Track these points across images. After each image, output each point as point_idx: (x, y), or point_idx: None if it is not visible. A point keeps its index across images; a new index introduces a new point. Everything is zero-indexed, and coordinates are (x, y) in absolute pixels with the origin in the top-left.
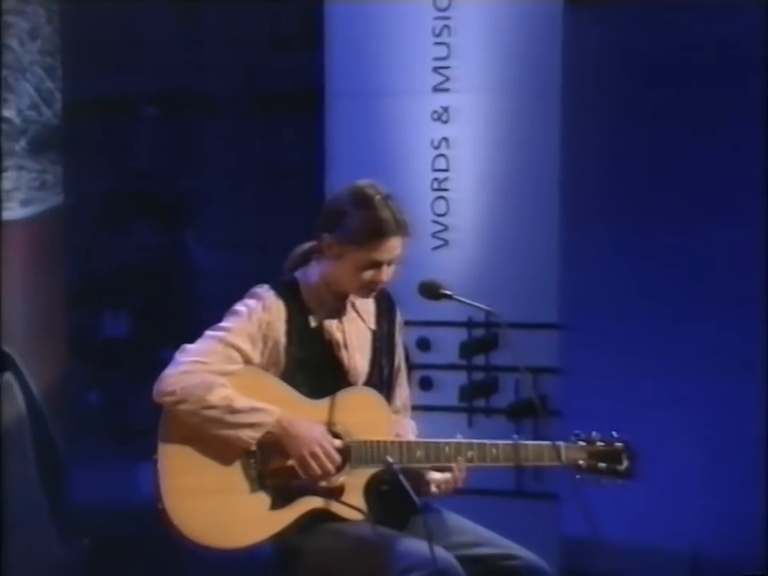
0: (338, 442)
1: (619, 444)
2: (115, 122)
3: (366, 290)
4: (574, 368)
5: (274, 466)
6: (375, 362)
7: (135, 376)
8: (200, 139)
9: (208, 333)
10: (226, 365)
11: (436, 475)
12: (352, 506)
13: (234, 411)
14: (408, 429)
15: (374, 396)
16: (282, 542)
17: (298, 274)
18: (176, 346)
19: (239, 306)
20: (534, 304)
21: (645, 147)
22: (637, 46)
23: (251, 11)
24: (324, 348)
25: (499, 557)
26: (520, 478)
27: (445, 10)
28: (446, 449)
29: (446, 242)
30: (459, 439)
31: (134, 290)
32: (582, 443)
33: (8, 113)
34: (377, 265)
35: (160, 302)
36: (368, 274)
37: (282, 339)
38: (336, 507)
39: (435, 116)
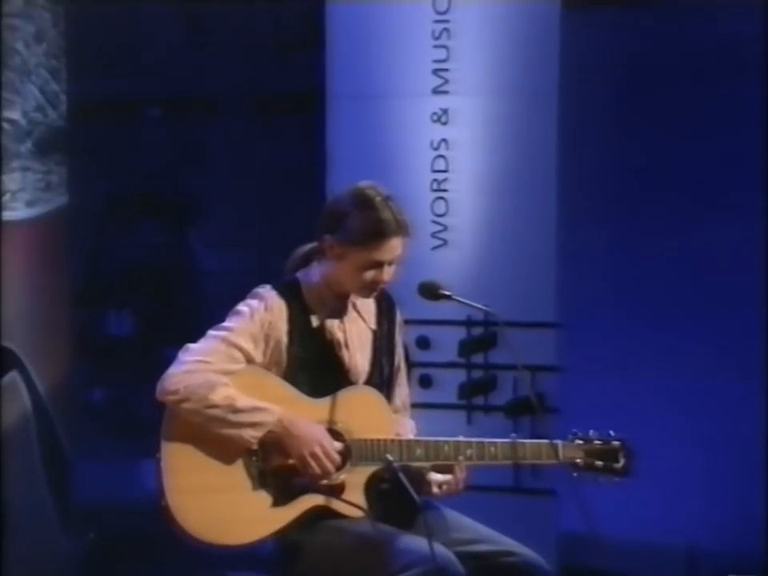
0: (338, 445)
1: (616, 442)
2: (119, 123)
3: (367, 290)
4: (571, 366)
5: (276, 465)
6: (376, 362)
7: (139, 374)
8: (203, 140)
9: (211, 332)
10: (228, 364)
11: (437, 476)
12: (353, 503)
13: (236, 410)
14: (408, 428)
15: (374, 395)
16: (284, 538)
17: (299, 275)
18: (179, 344)
19: (241, 306)
20: (532, 303)
21: (641, 148)
22: (633, 49)
23: (253, 14)
24: (325, 347)
25: (498, 553)
26: (518, 475)
27: (444, 13)
28: (446, 447)
29: (445, 242)
30: (458, 438)
31: (137, 289)
32: (579, 442)
33: (14, 114)
34: (378, 265)
35: (163, 301)
36: (369, 274)
37: (284, 339)
38: (337, 505)
39: (434, 118)
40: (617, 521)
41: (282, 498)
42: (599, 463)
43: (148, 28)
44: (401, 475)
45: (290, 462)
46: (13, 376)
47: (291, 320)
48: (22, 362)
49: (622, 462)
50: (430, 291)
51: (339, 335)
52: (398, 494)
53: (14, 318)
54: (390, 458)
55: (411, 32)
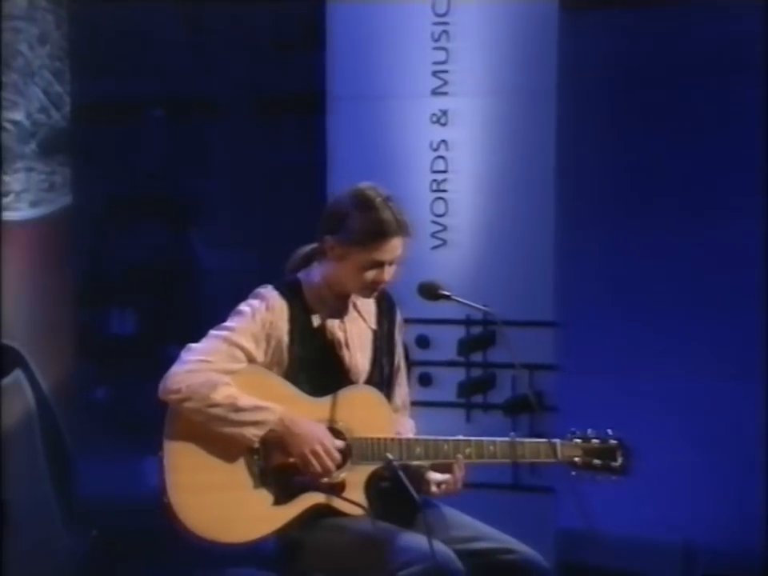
0: (339, 443)
1: (614, 441)
2: (122, 124)
3: (368, 289)
4: (569, 365)
5: (277, 463)
6: (376, 361)
7: (141, 373)
8: (205, 141)
9: (213, 332)
10: (230, 364)
11: (436, 475)
12: (353, 501)
13: (237, 409)
14: (407, 427)
15: (374, 394)
16: (285, 536)
17: (300, 275)
18: (181, 343)
19: (243, 306)
20: (531, 302)
21: (639, 148)
22: (629, 50)
23: (254, 16)
24: (326, 347)
25: (497, 551)
26: (517, 472)
27: (443, 15)
28: (445, 446)
29: (444, 242)
30: (458, 437)
31: (140, 288)
32: (577, 440)
33: (18, 116)
34: (379, 265)
35: (166, 300)
36: (370, 274)
37: (285, 338)
38: (337, 503)
39: (434, 119)
40: (614, 518)
41: (283, 496)
42: (597, 462)
43: (150, 30)
44: (401, 474)
45: (291, 460)
46: (17, 375)
47: (292, 320)
48: (26, 361)
49: (619, 460)
50: (430, 291)
51: (340, 335)
52: (397, 493)
53: (18, 317)
54: (390, 456)
55: (411, 34)
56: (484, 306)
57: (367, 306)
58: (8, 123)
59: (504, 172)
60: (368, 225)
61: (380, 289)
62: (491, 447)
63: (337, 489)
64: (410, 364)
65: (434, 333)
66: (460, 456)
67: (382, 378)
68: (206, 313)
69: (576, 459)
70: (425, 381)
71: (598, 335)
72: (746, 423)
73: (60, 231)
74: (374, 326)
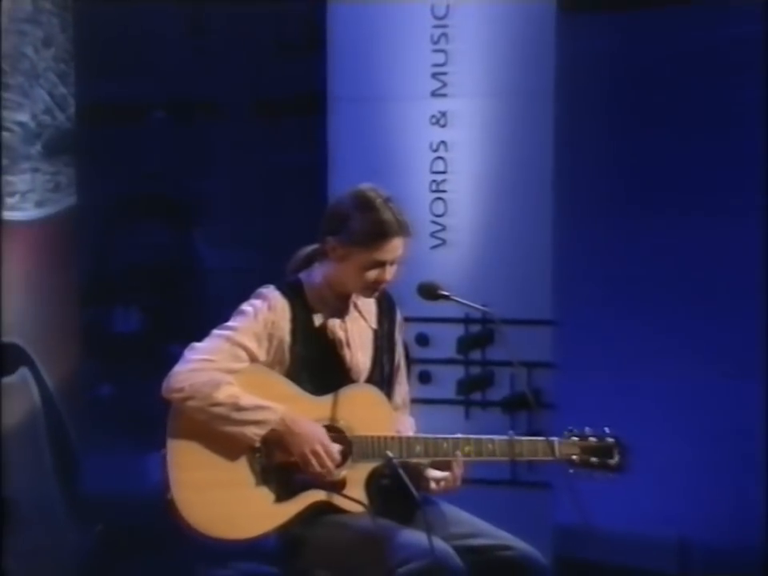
0: (338, 446)
1: (611, 439)
2: (126, 125)
3: (370, 289)
4: (566, 363)
5: (279, 461)
6: (376, 360)
7: (145, 370)
8: (207, 142)
9: (215, 332)
10: (232, 363)
11: (435, 473)
12: (353, 498)
13: (239, 408)
14: (407, 425)
15: (375, 393)
16: (286, 533)
17: (301, 276)
18: (184, 341)
19: (245, 306)
20: (529, 301)
21: (636, 148)
22: (627, 51)
23: (256, 19)
24: (327, 346)
25: (495, 547)
26: (514, 468)
27: (443, 18)
28: (444, 444)
29: (444, 242)
30: (457, 435)
31: (143, 287)
32: (574, 439)
33: (23, 117)
34: (380, 265)
35: (169, 298)
36: (372, 274)
37: (287, 338)
38: (338, 500)
39: (433, 120)
40: (611, 514)
41: (284, 493)
42: (594, 460)
43: (152, 32)
44: (400, 471)
45: (293, 458)
46: (23, 372)
47: (294, 319)
48: (32, 359)
49: (616, 458)
50: (429, 292)
51: (341, 334)
52: (397, 490)
53: (24, 315)
54: (390, 454)
55: (410, 36)
56: (483, 305)
57: (368, 305)
58: (14, 124)
59: (502, 172)
60: (369, 225)
61: (381, 288)
62: (490, 445)
63: (337, 486)
64: (410, 362)
65: (433, 331)
66: (459, 454)
67: (382, 377)
68: (208, 311)
69: (573, 457)
70: (424, 378)
71: (596, 334)
72: (743, 421)
73: (65, 231)
74: (374, 326)
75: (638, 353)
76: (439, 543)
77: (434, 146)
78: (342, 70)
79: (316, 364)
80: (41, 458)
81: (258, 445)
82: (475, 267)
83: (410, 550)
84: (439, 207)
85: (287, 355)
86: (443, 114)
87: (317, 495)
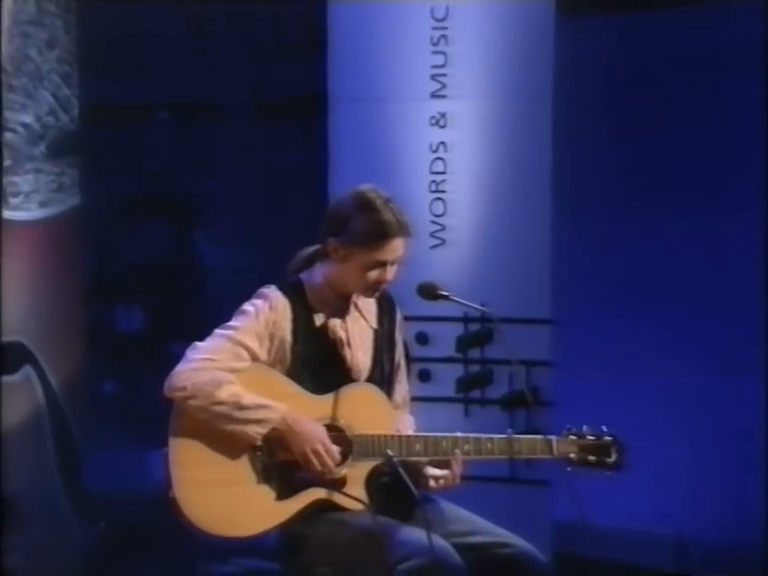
0: (340, 441)
1: (608, 438)
2: (129, 126)
3: (371, 289)
4: (564, 361)
5: (280, 460)
6: (377, 360)
7: (147, 368)
8: (209, 143)
9: (217, 331)
10: (234, 362)
11: (434, 470)
12: (354, 497)
13: (241, 407)
14: (407, 424)
15: (375, 392)
16: (287, 531)
17: (302, 276)
18: (186, 339)
19: (247, 306)
20: (527, 300)
21: (633, 149)
22: (626, 53)
23: (257, 20)
24: (328, 346)
25: (494, 545)
26: (513, 465)
27: (442, 20)
28: (444, 443)
29: (443, 242)
30: (456, 434)
31: (146, 286)
32: (573, 437)
33: (27, 118)
34: (381, 265)
35: (171, 297)
36: (373, 274)
37: (288, 338)
38: (338, 498)
39: (433, 121)
40: (609, 511)
41: (285, 491)
42: (592, 458)
43: (157, 35)
44: (400, 470)
45: (294, 457)
46: (27, 370)
47: (295, 319)
48: (36, 357)
49: (614, 456)
50: (429, 292)
51: (341, 334)
52: (397, 488)
53: (27, 314)
54: (390, 453)
55: (410, 38)
56: (482, 304)
57: (368, 305)
58: (18, 126)
59: (501, 173)
60: (370, 226)
61: (382, 288)
62: (489, 444)
63: (338, 484)
64: (410, 361)
65: (433, 330)
66: (458, 451)
67: (382, 376)
68: (210, 310)
69: (571, 455)
70: (424, 377)
71: (594, 332)
72: (741, 419)
73: (68, 231)
74: (374, 325)
75: (636, 351)
76: (439, 541)
77: (434, 147)
78: (343, 72)
79: (317, 363)
80: (45, 456)
81: (259, 443)
82: (474, 267)
83: (410, 548)
84: (439, 207)
85: (288, 354)
86: (443, 115)
87: (317, 493)
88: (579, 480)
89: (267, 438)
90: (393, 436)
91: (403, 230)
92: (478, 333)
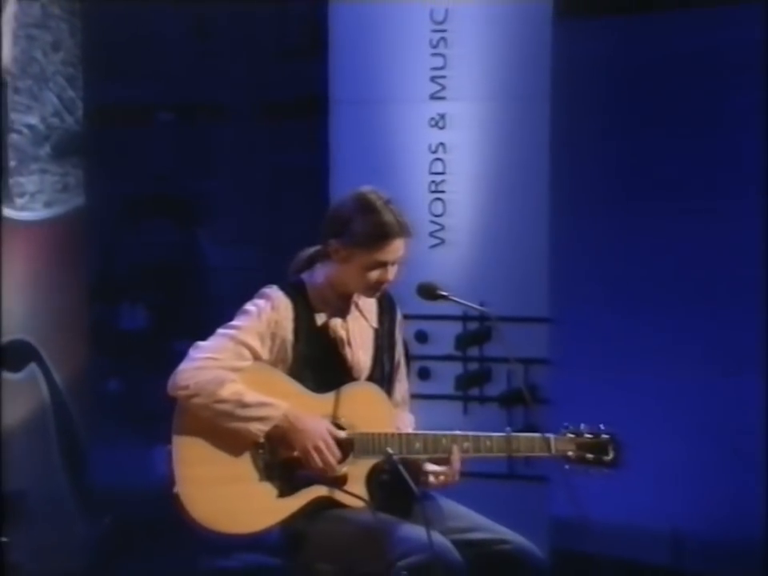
0: (342, 434)
1: (606, 436)
2: (133, 127)
3: (372, 289)
4: (562, 359)
5: (282, 457)
6: (377, 359)
7: (151, 366)
8: (212, 144)
9: (220, 331)
10: (236, 361)
11: (434, 467)
12: (354, 494)
13: (244, 405)
14: (407, 422)
15: (375, 390)
16: (289, 527)
17: (304, 276)
18: (189, 337)
19: (249, 306)
20: (525, 299)
21: (630, 150)
22: (623, 55)
23: (259, 24)
24: (329, 345)
25: (492, 541)
26: (512, 462)
27: (441, 23)
28: (443, 441)
29: (442, 241)
30: (455, 432)
31: (150, 285)
32: (570, 435)
33: (33, 120)
34: (382, 265)
35: (174, 296)
36: (374, 275)
37: (290, 337)
38: (339, 495)
39: (432, 122)
40: (606, 507)
41: (287, 489)
42: (590, 456)
43: (160, 38)
44: (400, 467)
45: (295, 454)
46: (32, 368)
47: (297, 319)
48: (41, 355)
49: (611, 454)
50: (429, 292)
51: (342, 333)
52: (397, 485)
53: (33, 313)
54: (390, 451)
55: (410, 40)
56: (480, 302)
57: (369, 305)
58: (23, 127)
59: (500, 173)
60: (371, 227)
61: (383, 288)
62: (488, 442)
63: (339, 482)
64: (410, 359)
65: (432, 328)
66: (456, 447)
67: (382, 375)
68: (212, 308)
69: (569, 453)
70: (423, 374)
71: (592, 331)
72: (737, 417)
73: (73, 230)
74: (375, 325)
75: (634, 350)
76: (438, 537)
77: (433, 148)
78: (343, 74)
79: (318, 362)
80: (50, 452)
81: (261, 441)
82: (473, 266)
83: (410, 544)
84: (438, 207)
85: (290, 354)
86: (442, 117)
87: (319, 491)
88: (577, 477)
89: (269, 436)
90: (393, 434)
91: (403, 230)
92: (476, 331)
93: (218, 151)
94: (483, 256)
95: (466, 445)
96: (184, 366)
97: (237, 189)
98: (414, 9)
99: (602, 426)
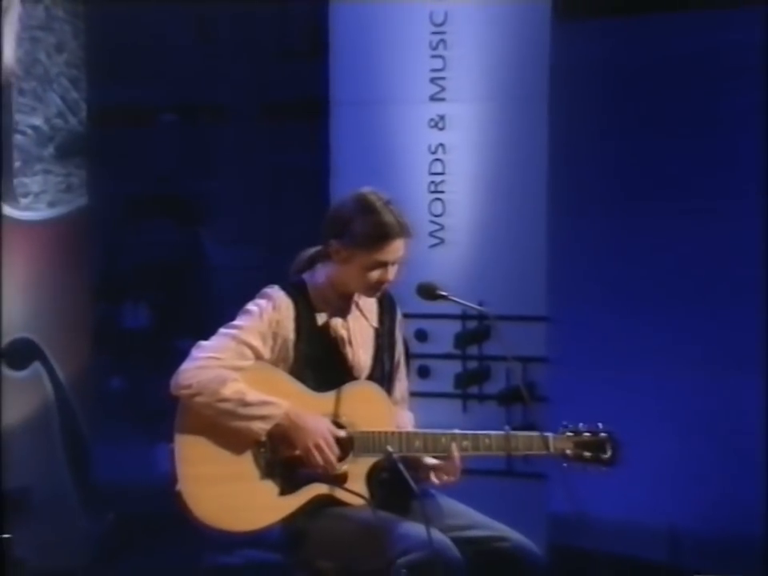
0: (342, 433)
1: (603, 434)
2: (135, 128)
3: (372, 289)
4: (560, 358)
5: (283, 456)
6: (377, 358)
7: (153, 364)
8: (214, 144)
9: (222, 330)
10: (238, 361)
11: (433, 460)
12: (355, 492)
13: (245, 404)
14: (406, 420)
15: (375, 389)
16: (290, 525)
17: (305, 276)
18: (191, 336)
19: (251, 306)
20: (524, 298)
21: (629, 150)
22: (621, 57)
23: (261, 25)
24: (330, 345)
25: (491, 539)
26: (510, 459)
27: (441, 25)
28: (443, 439)
29: (442, 241)
30: (454, 430)
31: (152, 284)
32: (569, 434)
33: (37, 121)
34: (382, 265)
35: (176, 295)
36: (375, 275)
37: (291, 336)
38: (340, 493)
39: (432, 123)
40: (604, 504)
41: (288, 487)
42: (587, 454)
43: (163, 39)
44: (400, 466)
45: (296, 453)
46: (36, 367)
47: (298, 319)
48: (45, 354)
49: (609, 452)
50: (428, 292)
51: (343, 333)
52: (397, 483)
53: (37, 312)
54: (390, 449)
55: (410, 42)
56: (479, 301)
57: (369, 304)
58: (27, 128)
59: (499, 174)
60: (371, 228)
61: (384, 288)
62: (487, 440)
63: (340, 480)
64: (409, 358)
65: (431, 327)
66: (456, 446)
67: (383, 374)
68: (213, 307)
69: (567, 452)
70: (423, 373)
71: (588, 329)
72: (733, 415)
73: (76, 230)
74: (375, 324)
75: (631, 348)
76: (438, 535)
77: (433, 149)
78: (344, 75)
79: (319, 362)
80: (54, 449)
81: (263, 439)
82: (472, 265)
83: (410, 542)
84: (438, 207)
85: (291, 353)
86: (441, 118)
87: (319, 489)
88: (575, 474)
89: (271, 434)
90: (393, 433)
91: (403, 231)
92: (475, 330)
93: (219, 152)
94: (482, 255)
95: (465, 443)
96: (186, 366)
97: (238, 189)
98: (414, 11)
99: (599, 425)
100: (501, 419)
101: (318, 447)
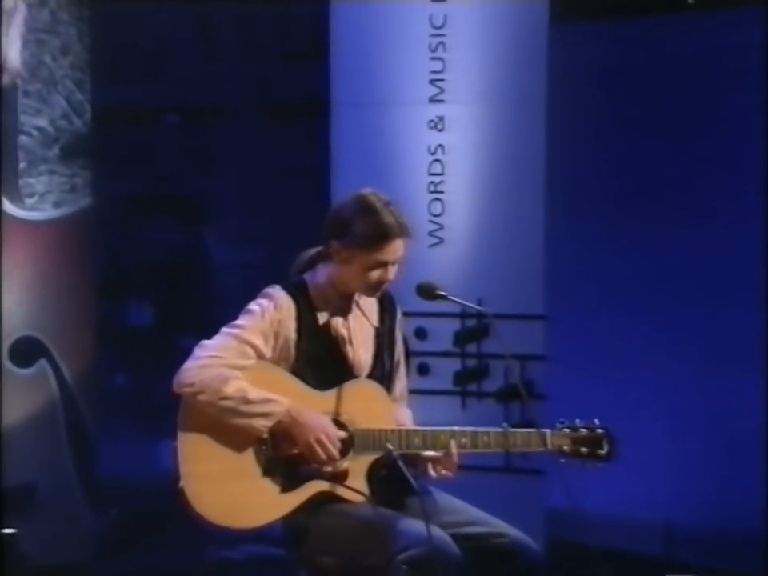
0: (342, 434)
1: (600, 431)
2: (139, 129)
3: (373, 289)
4: (557, 356)
5: (284, 453)
6: (378, 357)
7: (157, 361)
8: (216, 145)
9: (224, 330)
10: (240, 359)
11: (431, 453)
12: (355, 489)
13: (247, 402)
14: (406, 417)
15: (376, 388)
16: (292, 522)
17: (306, 276)
18: (194, 334)
19: (253, 305)
20: (522, 296)
21: (626, 151)
22: (618, 59)
23: (262, 28)
24: (331, 344)
25: (489, 535)
26: (508, 456)
27: (440, 27)
28: (442, 436)
29: (441, 240)
30: (453, 428)
31: (156, 283)
32: (566, 430)
33: (42, 122)
34: (383, 265)
35: (179, 293)
36: (375, 275)
37: (292, 336)
38: (340, 490)
39: (431, 125)
40: (601, 499)
41: (289, 484)
42: (585, 450)
43: (166, 42)
44: (400, 463)
45: (297, 450)
46: (42, 364)
47: (299, 318)
48: (50, 351)
49: (606, 448)
50: (428, 292)
51: (344, 332)
52: (397, 480)
53: (42, 310)
54: (390, 446)
55: (410, 44)
56: (478, 300)
57: (369, 304)
58: (33, 129)
59: (497, 174)
60: (371, 229)
61: (384, 288)
62: (485, 437)
63: (340, 477)
64: (409, 356)
65: (431, 325)
66: (454, 443)
67: (383, 373)
68: (216, 305)
69: (565, 448)
70: (423, 370)
71: (585, 327)
72: (728, 412)
73: (81, 230)
74: (375, 324)
75: (628, 346)
76: (437, 531)
77: (432, 149)
78: (344, 77)
79: (320, 361)
80: (59, 446)
81: (265, 437)
82: (471, 264)
83: (410, 538)
84: (437, 207)
85: (292, 352)
86: (441, 119)
87: (320, 486)
88: (572, 470)
89: (272, 432)
90: (393, 430)
91: (403, 231)
92: (474, 328)
93: (221, 152)
94: (481, 254)
95: (464, 440)
96: (189, 365)
97: (240, 189)
98: (413, 13)
99: (596, 421)
100: (499, 416)
101: (319, 442)
